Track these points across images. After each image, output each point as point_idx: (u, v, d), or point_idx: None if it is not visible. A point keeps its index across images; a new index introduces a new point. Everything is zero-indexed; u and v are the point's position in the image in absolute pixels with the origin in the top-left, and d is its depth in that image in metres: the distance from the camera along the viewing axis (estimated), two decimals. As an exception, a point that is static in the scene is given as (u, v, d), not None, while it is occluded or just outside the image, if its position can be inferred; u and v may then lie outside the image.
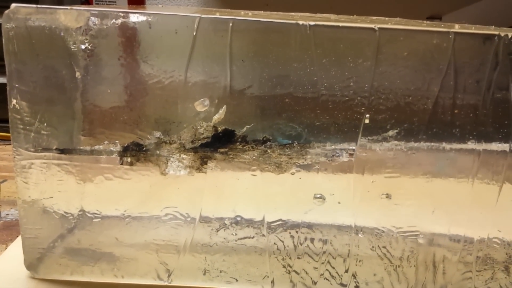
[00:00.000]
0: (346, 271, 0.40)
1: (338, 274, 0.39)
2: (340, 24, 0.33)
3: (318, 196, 0.40)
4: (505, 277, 0.40)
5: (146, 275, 0.39)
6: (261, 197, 0.39)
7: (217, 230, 0.40)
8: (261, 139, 0.41)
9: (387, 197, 0.41)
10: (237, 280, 0.39)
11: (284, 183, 0.40)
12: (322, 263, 0.40)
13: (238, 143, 0.40)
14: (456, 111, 0.37)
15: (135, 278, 0.39)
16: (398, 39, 0.33)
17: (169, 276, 0.39)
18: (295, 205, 0.40)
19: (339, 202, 0.40)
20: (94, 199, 0.38)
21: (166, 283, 0.39)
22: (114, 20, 0.35)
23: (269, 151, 0.41)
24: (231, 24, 0.35)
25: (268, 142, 0.41)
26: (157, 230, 0.39)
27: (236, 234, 0.40)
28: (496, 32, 0.32)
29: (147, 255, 0.39)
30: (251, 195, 0.39)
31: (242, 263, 0.39)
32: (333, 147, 0.40)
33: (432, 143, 0.39)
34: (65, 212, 0.39)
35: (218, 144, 0.40)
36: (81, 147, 0.38)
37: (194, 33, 0.35)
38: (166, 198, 0.38)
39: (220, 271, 0.39)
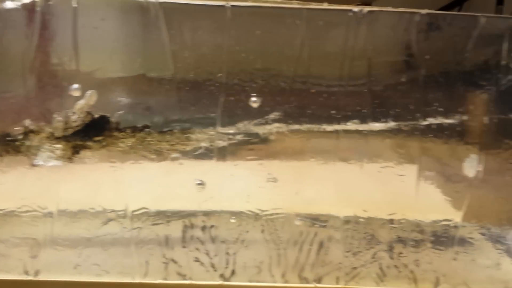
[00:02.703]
0: (228, 260, 0.38)
1: (214, 262, 0.38)
2: (192, 2, 0.32)
3: (199, 182, 0.39)
4: (391, 257, 0.39)
5: (13, 270, 0.36)
6: (132, 187, 0.37)
7: (103, 223, 0.38)
8: (139, 126, 0.39)
9: (273, 181, 0.40)
10: (108, 272, 0.37)
11: (165, 170, 0.38)
12: (198, 249, 0.38)
13: (113, 131, 0.39)
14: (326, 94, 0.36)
15: (1, 273, 0.36)
16: (251, 17, 0.32)
17: (35, 271, 0.37)
18: (174, 193, 0.38)
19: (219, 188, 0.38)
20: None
21: (32, 278, 0.36)
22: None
23: (148, 138, 0.39)
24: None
25: (147, 129, 0.39)
26: (19, 224, 0.36)
27: (107, 225, 0.38)
28: (350, 8, 0.31)
29: (14, 250, 0.36)
30: (121, 185, 0.37)
31: (114, 254, 0.37)
32: (216, 131, 0.39)
33: (313, 125, 0.38)
34: None
35: (93, 132, 0.38)
36: None
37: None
38: (28, 191, 0.36)
39: (92, 264, 0.37)
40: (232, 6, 0.30)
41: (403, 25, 0.32)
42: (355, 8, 0.30)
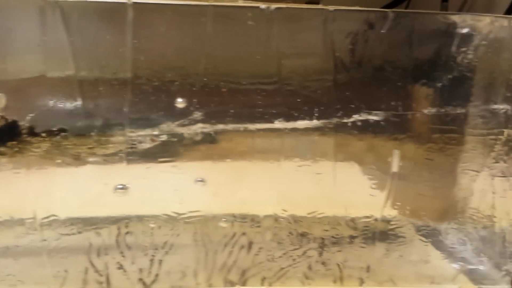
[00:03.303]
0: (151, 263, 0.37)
1: (135, 268, 0.37)
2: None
3: (120, 186, 0.37)
4: (320, 254, 0.39)
5: None
6: (49, 194, 0.35)
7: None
8: (55, 130, 0.37)
9: (201, 181, 0.39)
10: (23, 283, 0.35)
11: (81, 175, 0.37)
12: (122, 256, 0.37)
13: (27, 135, 0.37)
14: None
15: None
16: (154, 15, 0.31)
17: None
18: (93, 198, 0.37)
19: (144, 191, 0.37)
20: None
21: None
22: None
23: (65, 142, 0.37)
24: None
25: (63, 133, 0.37)
26: None
27: (23, 235, 0.36)
28: (257, 5, 0.30)
29: None
30: (35, 192, 0.35)
31: (30, 264, 0.35)
32: (136, 133, 0.38)
33: (239, 125, 0.37)
34: None
35: (5, 138, 0.36)
36: None
37: None
38: None
39: (7, 275, 0.35)
40: (134, 3, 0.29)
41: (318, 22, 0.31)
42: (263, 5, 0.29)
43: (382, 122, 0.38)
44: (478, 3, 1.01)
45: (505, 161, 0.39)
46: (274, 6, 0.29)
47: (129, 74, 0.32)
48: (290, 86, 0.32)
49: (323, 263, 0.39)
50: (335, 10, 0.30)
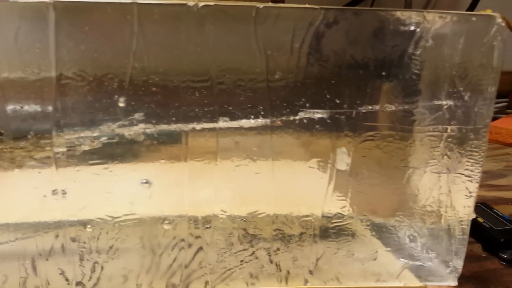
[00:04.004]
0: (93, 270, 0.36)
1: (77, 273, 0.36)
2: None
3: (57, 191, 0.36)
4: (268, 254, 0.38)
5: None
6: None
7: None
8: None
9: (146, 182, 0.38)
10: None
11: (18, 180, 0.36)
12: (63, 261, 0.36)
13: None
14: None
15: None
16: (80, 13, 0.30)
17: None
18: (31, 203, 0.36)
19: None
20: None
21: None
22: None
23: (1, 145, 0.36)
24: None
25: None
26: None
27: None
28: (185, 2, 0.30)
29: None
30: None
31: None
32: (75, 135, 0.37)
33: (180, 125, 0.37)
34: None
35: None
36: None
37: None
38: None
39: None
40: (55, 1, 0.28)
41: (247, 20, 0.31)
42: (191, 2, 0.29)
43: (328, 120, 0.37)
44: (442, 0, 1.02)
45: (449, 157, 0.39)
46: (202, 3, 0.28)
47: (55, 73, 0.31)
48: (223, 85, 0.31)
49: (269, 263, 0.38)
50: (264, 7, 0.29)
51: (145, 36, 0.30)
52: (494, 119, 0.91)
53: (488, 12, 0.84)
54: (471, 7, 0.85)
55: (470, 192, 0.37)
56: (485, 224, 0.48)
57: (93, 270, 0.37)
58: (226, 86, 0.31)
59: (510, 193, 0.62)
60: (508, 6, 1.04)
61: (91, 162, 0.34)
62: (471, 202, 0.38)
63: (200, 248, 0.37)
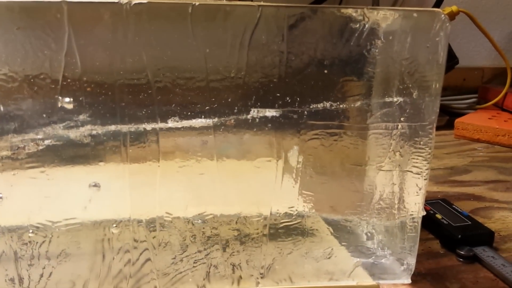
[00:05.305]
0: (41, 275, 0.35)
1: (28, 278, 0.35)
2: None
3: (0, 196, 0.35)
4: (221, 256, 0.38)
5: None
6: None
7: None
8: None
9: (95, 185, 0.37)
10: None
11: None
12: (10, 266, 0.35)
13: None
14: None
15: None
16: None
17: None
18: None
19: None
20: None
21: None
22: None
23: None
24: None
25: None
26: None
27: None
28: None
29: None
30: None
31: None
32: (18, 138, 0.36)
33: (133, 125, 0.36)
34: None
35: None
36: None
37: None
38: None
39: None
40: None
41: (182, 18, 0.30)
42: (124, 0, 0.28)
43: (280, 119, 0.37)
44: (410, -3, 1.02)
45: (401, 154, 0.39)
46: (134, 1, 0.28)
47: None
48: (160, 83, 0.31)
49: (220, 265, 0.38)
50: (199, 4, 0.29)
51: (78, 34, 0.29)
52: (463, 114, 0.92)
53: (453, 8, 0.83)
54: (437, 5, 0.85)
55: (419, 189, 0.37)
56: (443, 220, 0.48)
57: (40, 276, 0.36)
58: (163, 85, 0.31)
59: (472, 188, 0.62)
60: (475, 3, 1.06)
61: (28, 165, 0.33)
62: (420, 199, 0.37)
63: (149, 253, 0.37)
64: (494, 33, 1.01)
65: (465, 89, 1.05)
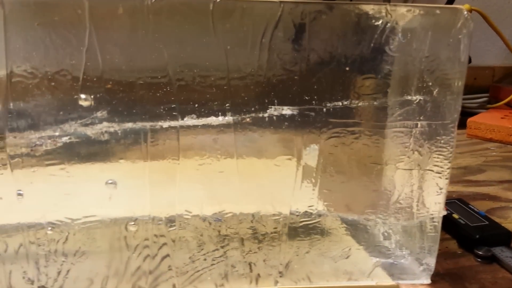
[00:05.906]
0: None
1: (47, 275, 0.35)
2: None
3: (21, 192, 0.35)
4: (239, 254, 0.37)
5: None
6: None
7: None
8: None
9: (112, 183, 0.37)
10: None
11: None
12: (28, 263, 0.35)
13: None
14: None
15: None
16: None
17: None
18: None
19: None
20: None
21: None
22: None
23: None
24: None
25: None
26: None
27: None
28: None
29: None
30: None
31: None
32: (36, 135, 0.36)
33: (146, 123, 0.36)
34: None
35: None
36: None
37: None
38: None
39: None
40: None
41: (204, 14, 0.30)
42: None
43: (297, 117, 0.36)
44: (421, -5, 1.02)
45: (421, 153, 0.38)
46: (156, -3, 0.28)
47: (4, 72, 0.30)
48: (181, 81, 0.30)
49: (240, 264, 0.37)
50: (220, 0, 0.28)
51: (100, 31, 0.29)
52: (474, 114, 0.91)
53: (466, 7, 0.83)
54: (448, 3, 0.85)
55: (440, 189, 0.37)
56: (460, 220, 0.48)
57: (58, 273, 0.36)
58: (185, 83, 0.30)
59: (487, 188, 0.62)
60: (486, 1, 1.05)
61: (48, 163, 0.33)
62: (441, 199, 0.37)
63: (167, 250, 0.36)
64: (505, 32, 1.00)
65: (475, 88, 1.04)
